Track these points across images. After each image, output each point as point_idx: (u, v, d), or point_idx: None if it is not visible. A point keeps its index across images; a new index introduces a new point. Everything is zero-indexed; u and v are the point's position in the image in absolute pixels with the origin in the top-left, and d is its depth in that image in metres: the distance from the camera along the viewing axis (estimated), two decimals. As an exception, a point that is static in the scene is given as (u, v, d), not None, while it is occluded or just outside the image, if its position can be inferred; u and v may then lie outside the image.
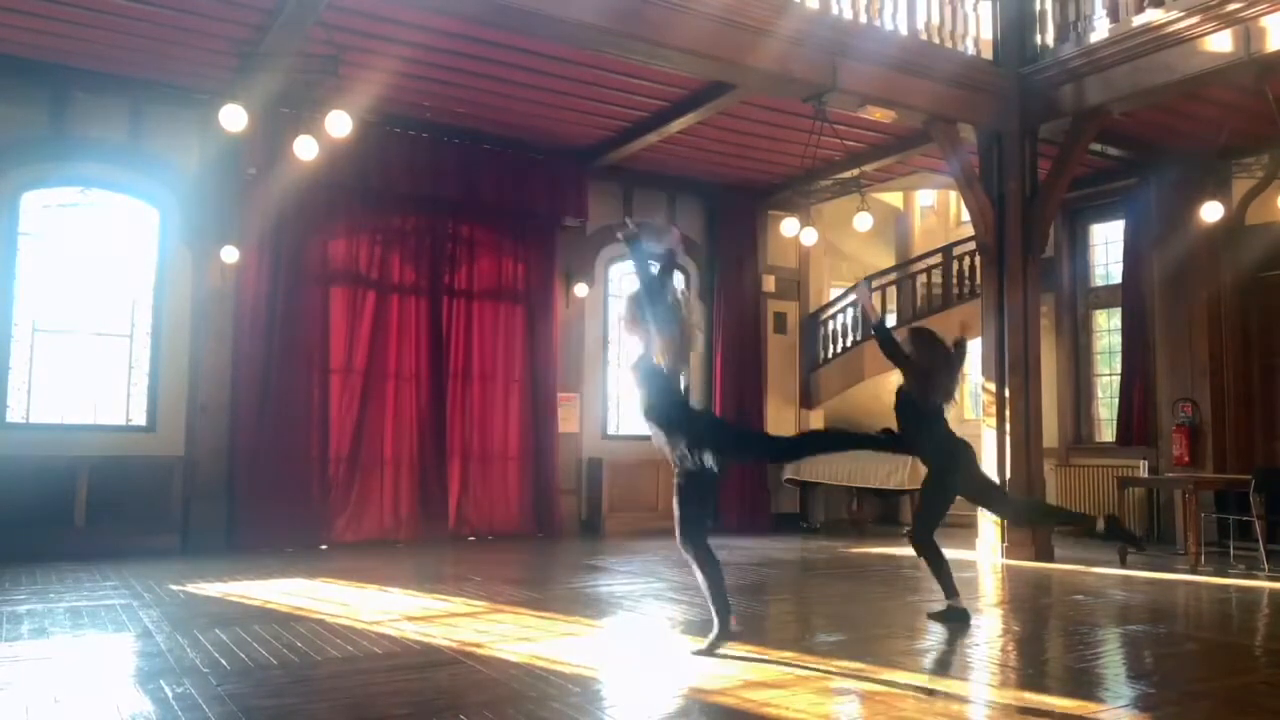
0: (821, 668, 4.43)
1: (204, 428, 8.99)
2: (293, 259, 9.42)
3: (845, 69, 8.16)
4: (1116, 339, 11.26)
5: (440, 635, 5.11)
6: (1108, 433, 11.42)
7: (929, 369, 5.49)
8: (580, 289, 11.15)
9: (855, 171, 10.62)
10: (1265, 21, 7.27)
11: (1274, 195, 9.14)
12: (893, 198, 14.50)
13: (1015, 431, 8.90)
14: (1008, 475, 8.85)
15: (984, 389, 9.36)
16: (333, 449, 9.50)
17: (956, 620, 5.58)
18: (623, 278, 12.04)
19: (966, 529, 9.57)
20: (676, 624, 5.48)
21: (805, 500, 12.36)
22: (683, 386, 4.74)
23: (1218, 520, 9.31)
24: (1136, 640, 5.38)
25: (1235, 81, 7.96)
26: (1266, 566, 8.10)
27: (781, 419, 12.55)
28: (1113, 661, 4.89)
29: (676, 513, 4.74)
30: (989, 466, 8.50)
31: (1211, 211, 8.36)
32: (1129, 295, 10.89)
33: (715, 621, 4.70)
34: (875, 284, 12.95)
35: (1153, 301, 10.66)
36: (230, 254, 8.99)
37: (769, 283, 12.54)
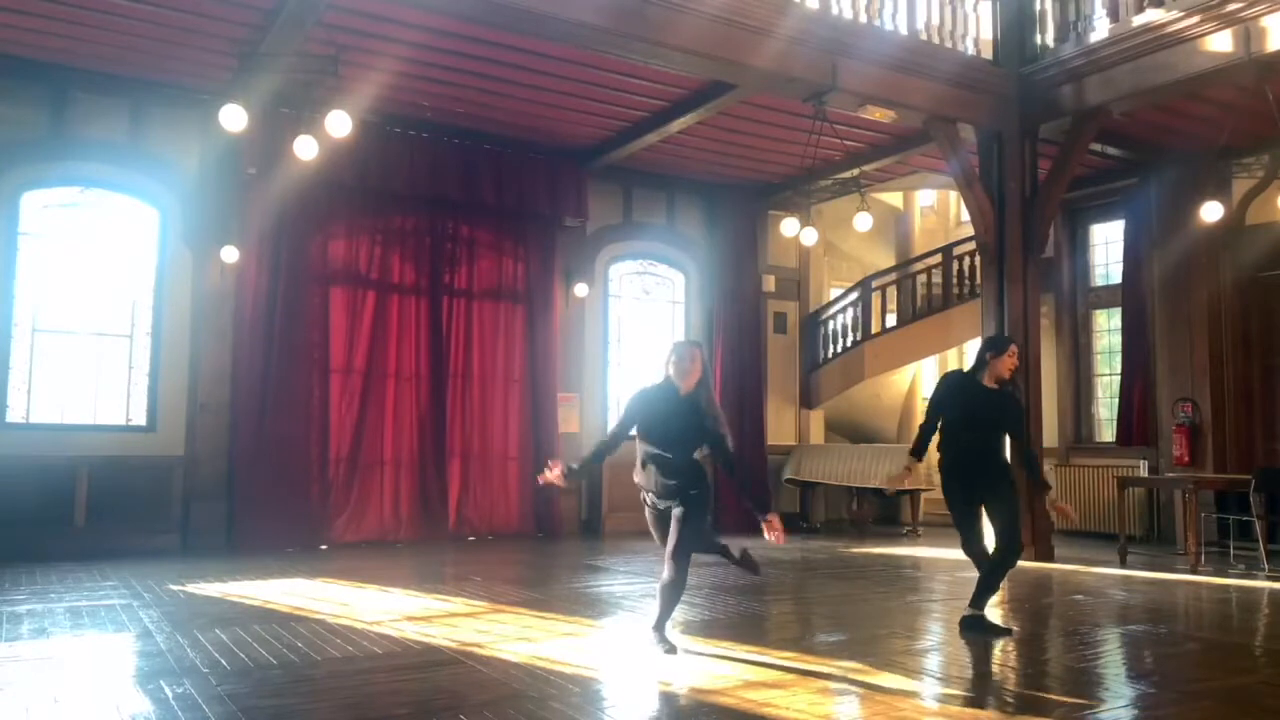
0: (821, 668, 4.43)
1: (204, 427, 8.99)
2: (293, 259, 9.42)
3: (845, 69, 8.17)
4: (1116, 339, 11.26)
5: (440, 635, 5.10)
6: (1108, 433, 11.42)
7: None
8: (580, 289, 11.15)
9: (855, 171, 10.62)
10: (1265, 21, 7.28)
11: (1274, 195, 9.14)
12: (893, 198, 14.50)
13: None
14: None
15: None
16: (333, 449, 9.50)
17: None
18: (622, 278, 12.05)
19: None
20: (676, 624, 5.47)
21: (805, 500, 12.36)
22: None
23: (1218, 520, 9.32)
24: (1136, 640, 5.38)
25: (1235, 81, 7.97)
26: (1266, 566, 8.11)
27: (781, 419, 12.56)
28: (1113, 661, 4.89)
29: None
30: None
31: (1211, 211, 8.36)
32: (1129, 295, 10.90)
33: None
34: (875, 284, 12.97)
35: (1153, 301, 10.66)
36: (230, 254, 9.00)
37: (769, 283, 12.54)
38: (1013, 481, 5.53)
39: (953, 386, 5.63)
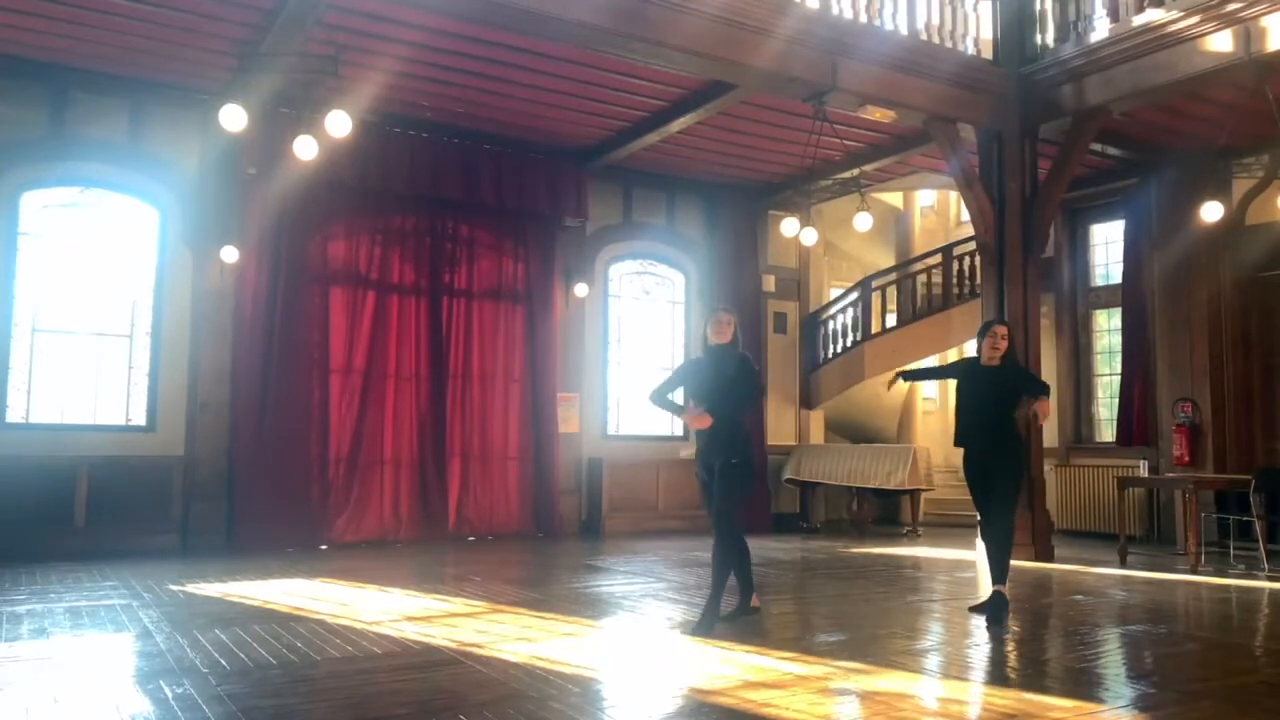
0: (821, 668, 4.43)
1: (204, 427, 8.99)
2: (293, 259, 9.42)
3: (845, 69, 8.16)
4: (1116, 339, 11.26)
5: (440, 635, 5.10)
6: (1108, 433, 11.42)
7: None
8: (580, 289, 11.15)
9: (855, 171, 10.62)
10: (1265, 21, 7.28)
11: (1274, 195, 9.14)
12: (893, 198, 14.50)
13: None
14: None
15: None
16: (333, 449, 9.50)
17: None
18: (622, 278, 12.06)
19: (967, 529, 9.56)
20: (676, 624, 5.47)
21: (805, 500, 12.36)
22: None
23: (1218, 520, 9.31)
24: (1136, 640, 5.38)
25: (1235, 81, 7.96)
26: (1266, 566, 8.10)
27: (781, 419, 12.56)
28: (1113, 661, 4.88)
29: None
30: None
31: (1211, 211, 8.36)
32: (1129, 295, 10.90)
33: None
34: (875, 284, 12.97)
35: (1153, 301, 10.66)
36: (230, 254, 9.00)
37: (769, 283, 12.54)
38: (1020, 463, 6.00)
39: (961, 366, 6.33)
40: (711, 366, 5.40)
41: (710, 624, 5.20)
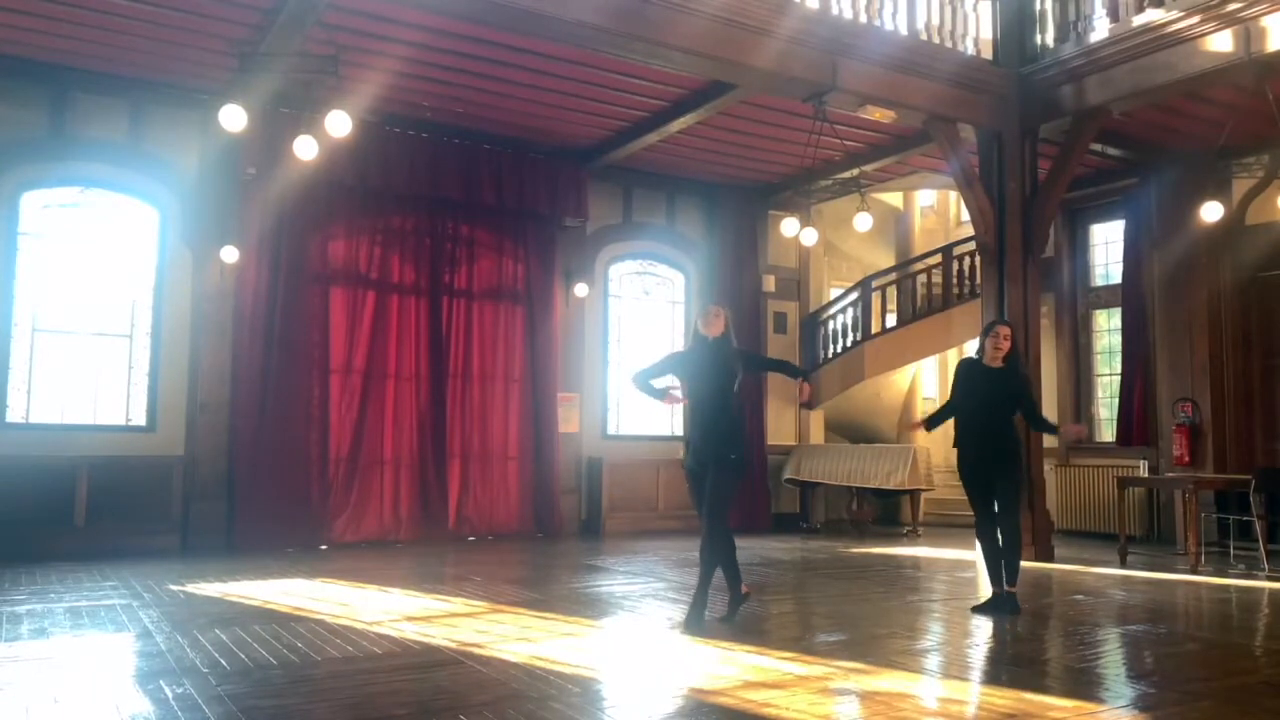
0: (821, 668, 4.43)
1: (204, 427, 8.99)
2: (292, 259, 9.42)
3: (845, 69, 8.17)
4: (1116, 339, 11.26)
5: (440, 635, 5.10)
6: (1108, 433, 11.42)
7: None
8: (580, 289, 11.15)
9: (855, 171, 10.62)
10: (1265, 21, 7.28)
11: (1274, 195, 9.14)
12: (893, 198, 14.50)
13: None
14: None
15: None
16: (333, 449, 9.50)
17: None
18: (622, 278, 12.06)
19: (967, 529, 9.54)
20: (676, 624, 5.47)
21: (805, 500, 12.36)
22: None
23: (1218, 520, 9.31)
24: (1136, 640, 5.38)
25: (1235, 81, 7.96)
26: (1266, 566, 8.10)
27: (781, 419, 12.56)
28: (1113, 661, 4.88)
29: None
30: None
31: (1211, 211, 8.36)
32: (1129, 295, 10.90)
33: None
34: (875, 284, 12.97)
35: (1153, 301, 10.66)
36: (230, 254, 9.00)
37: (769, 283, 12.54)
38: (1019, 463, 6.03)
39: (962, 368, 6.21)
40: (706, 359, 5.42)
41: (699, 619, 5.25)
